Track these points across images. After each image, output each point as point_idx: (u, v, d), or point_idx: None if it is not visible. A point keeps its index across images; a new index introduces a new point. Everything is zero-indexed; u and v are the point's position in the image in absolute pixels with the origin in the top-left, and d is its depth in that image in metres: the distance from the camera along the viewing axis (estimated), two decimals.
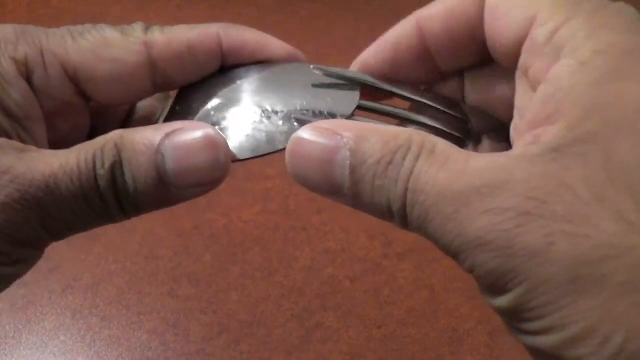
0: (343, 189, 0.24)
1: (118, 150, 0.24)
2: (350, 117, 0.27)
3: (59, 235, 0.25)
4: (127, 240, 0.50)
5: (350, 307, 0.46)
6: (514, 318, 0.21)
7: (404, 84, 0.28)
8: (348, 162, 0.23)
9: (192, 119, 0.28)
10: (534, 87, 0.23)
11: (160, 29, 0.27)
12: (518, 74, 0.24)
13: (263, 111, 0.28)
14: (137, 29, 0.27)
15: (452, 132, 0.27)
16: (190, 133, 0.24)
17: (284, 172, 0.58)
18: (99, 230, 0.51)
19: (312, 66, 0.28)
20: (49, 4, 0.69)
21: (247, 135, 0.28)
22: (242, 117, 0.28)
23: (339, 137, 0.23)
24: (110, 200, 0.24)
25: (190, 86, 0.29)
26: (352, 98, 0.28)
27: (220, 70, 0.29)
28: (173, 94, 0.29)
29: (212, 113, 0.28)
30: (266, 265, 0.48)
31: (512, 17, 0.23)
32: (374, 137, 0.23)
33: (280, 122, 0.28)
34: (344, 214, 0.52)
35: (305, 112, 0.27)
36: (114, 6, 0.69)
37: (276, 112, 0.28)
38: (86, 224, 0.25)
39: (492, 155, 0.21)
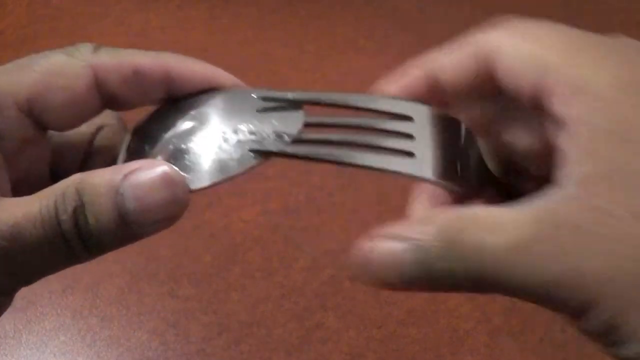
0: (417, 279, 0.25)
1: (79, 194, 0.25)
2: (298, 135, 0.28)
3: (27, 282, 0.26)
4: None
5: (350, 307, 0.46)
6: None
7: (349, 93, 0.29)
8: (414, 257, 0.25)
9: (151, 150, 0.28)
10: (552, 126, 0.24)
11: (108, 51, 0.28)
12: (532, 112, 0.26)
13: (217, 137, 0.29)
14: (84, 50, 0.28)
15: (399, 141, 0.28)
16: (148, 172, 0.26)
17: (284, 172, 0.59)
18: None
19: (253, 94, 0.29)
20: (49, 4, 0.69)
21: (205, 163, 0.29)
22: (198, 145, 0.29)
23: (398, 242, 0.26)
24: (74, 243, 0.25)
25: (146, 118, 0.29)
26: (298, 117, 0.28)
27: (173, 100, 0.30)
28: (130, 126, 0.30)
29: (169, 145, 0.29)
30: (266, 265, 0.48)
31: (525, 69, 0.25)
32: (428, 229, 0.25)
33: (233, 149, 0.28)
34: (344, 214, 0.52)
35: (255, 134, 0.28)
36: (114, 6, 0.69)
37: (226, 140, 0.29)
38: (53, 268, 0.26)
39: (522, 206, 0.23)
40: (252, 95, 0.29)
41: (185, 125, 0.30)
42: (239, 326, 0.45)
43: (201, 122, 0.30)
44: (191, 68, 0.29)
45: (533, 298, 0.23)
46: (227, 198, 0.52)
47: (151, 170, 0.26)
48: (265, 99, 0.29)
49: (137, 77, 0.28)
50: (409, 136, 0.29)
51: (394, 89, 0.29)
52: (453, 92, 0.28)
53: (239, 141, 0.28)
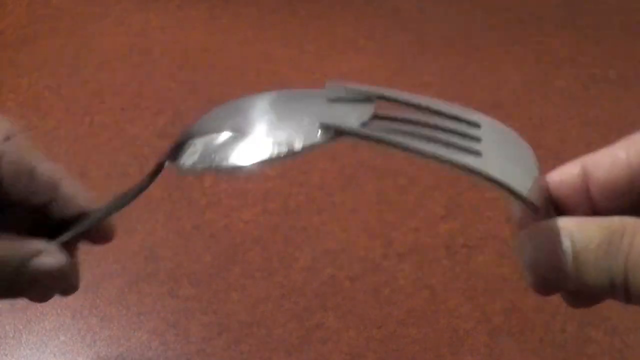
0: (568, 273, 0.27)
1: None
2: (369, 122, 0.27)
3: None
4: (127, 241, 0.50)
5: (350, 307, 0.46)
6: None
7: (424, 96, 0.29)
8: (570, 249, 0.27)
9: (220, 123, 0.29)
10: None
11: (15, 146, 0.32)
12: None
13: (289, 115, 0.28)
14: None
15: (467, 140, 0.28)
16: (46, 258, 0.31)
17: (284, 173, 0.59)
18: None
19: (325, 84, 0.29)
20: (49, 4, 0.69)
21: (272, 134, 0.28)
22: (268, 120, 0.28)
23: (563, 229, 0.27)
24: None
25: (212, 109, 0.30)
26: (368, 108, 0.28)
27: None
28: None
29: (238, 117, 0.29)
30: (266, 265, 0.48)
31: None
32: (591, 225, 0.27)
33: (305, 121, 0.28)
34: (344, 214, 0.52)
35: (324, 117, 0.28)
36: (114, 6, 0.69)
37: (300, 119, 0.28)
38: None
39: None
40: (325, 90, 0.29)
41: (258, 107, 0.29)
42: (239, 326, 0.45)
43: (274, 105, 0.29)
44: (74, 192, 0.34)
45: None
46: (227, 198, 0.52)
47: (50, 257, 0.31)
48: (339, 90, 0.29)
49: (30, 179, 0.32)
50: (476, 139, 0.29)
51: (552, 180, 0.31)
52: (602, 192, 0.30)
53: (309, 120, 0.27)
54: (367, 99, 0.28)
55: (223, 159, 0.28)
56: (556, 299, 0.39)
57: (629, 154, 0.29)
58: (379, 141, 0.26)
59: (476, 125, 0.29)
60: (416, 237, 0.50)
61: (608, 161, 0.30)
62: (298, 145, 0.27)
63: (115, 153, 0.56)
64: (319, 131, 0.27)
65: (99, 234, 0.35)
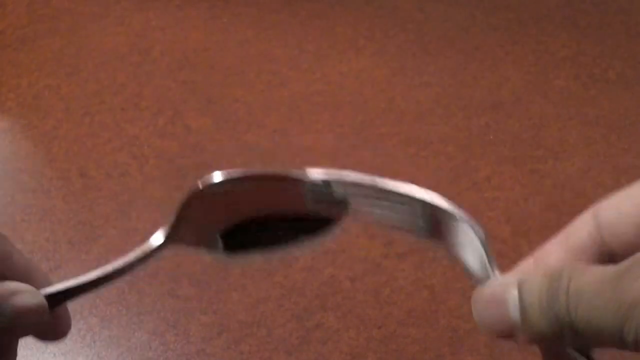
0: (518, 327, 0.28)
1: None
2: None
3: None
4: (127, 241, 0.50)
5: (350, 307, 0.46)
6: None
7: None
8: (517, 302, 0.28)
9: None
10: None
11: None
12: None
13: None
14: None
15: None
16: (27, 297, 0.33)
17: None
18: (99, 231, 0.51)
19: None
20: (49, 4, 0.69)
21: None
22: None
23: (507, 282, 0.29)
24: None
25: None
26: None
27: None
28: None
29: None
30: (266, 265, 0.48)
31: None
32: (536, 276, 0.28)
33: None
34: None
35: None
36: (114, 6, 0.69)
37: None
38: None
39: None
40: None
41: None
42: (239, 326, 0.45)
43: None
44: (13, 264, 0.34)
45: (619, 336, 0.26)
46: None
47: (30, 296, 0.33)
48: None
49: None
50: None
51: (559, 254, 0.32)
52: (619, 246, 0.30)
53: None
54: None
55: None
56: None
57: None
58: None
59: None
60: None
61: (618, 201, 0.30)
62: None
63: (115, 153, 0.56)
64: None
65: (55, 325, 0.36)
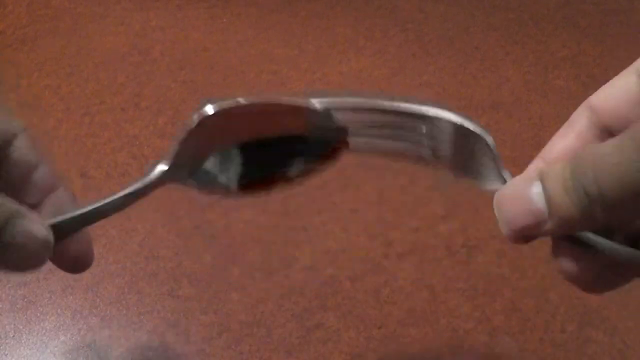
0: (544, 216, 0.28)
1: None
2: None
3: None
4: (127, 241, 0.50)
5: (350, 307, 0.46)
6: None
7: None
8: (541, 190, 0.28)
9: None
10: None
11: None
12: None
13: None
14: None
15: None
16: (35, 226, 0.30)
17: None
18: (98, 230, 0.51)
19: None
20: (49, 4, 0.69)
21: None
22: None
23: (528, 178, 0.29)
24: None
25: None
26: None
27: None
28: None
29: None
30: (266, 265, 0.48)
31: None
32: (555, 163, 0.28)
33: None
34: (343, 214, 0.52)
35: None
36: (114, 6, 0.69)
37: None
38: None
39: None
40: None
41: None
42: (239, 326, 0.45)
43: None
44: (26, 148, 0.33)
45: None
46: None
47: (37, 224, 0.30)
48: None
49: None
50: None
51: (564, 142, 0.32)
52: (616, 122, 0.31)
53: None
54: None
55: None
56: (556, 298, 0.39)
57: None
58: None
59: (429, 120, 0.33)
60: (416, 237, 0.50)
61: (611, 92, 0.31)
62: None
63: (115, 153, 0.56)
64: None
65: (77, 257, 0.34)
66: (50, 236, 0.31)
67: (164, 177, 0.33)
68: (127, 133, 0.57)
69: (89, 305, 0.46)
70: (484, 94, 0.61)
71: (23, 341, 0.44)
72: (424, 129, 0.33)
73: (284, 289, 0.47)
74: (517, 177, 0.31)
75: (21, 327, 0.45)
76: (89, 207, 0.34)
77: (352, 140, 0.34)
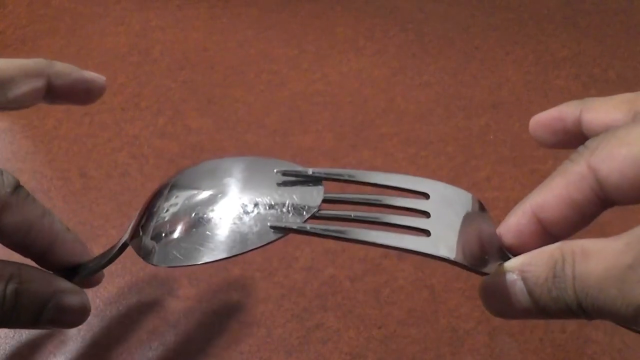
0: (532, 309, 0.29)
1: (17, 296, 0.32)
2: (317, 210, 0.29)
3: None
4: None
5: (350, 307, 0.46)
6: None
7: (366, 171, 0.31)
8: (524, 289, 0.28)
9: (168, 219, 0.31)
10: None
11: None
12: None
13: (237, 209, 0.30)
14: None
15: (414, 219, 0.30)
16: (72, 297, 0.34)
17: None
18: (98, 231, 0.51)
19: (275, 167, 0.31)
20: (49, 4, 0.69)
21: (224, 234, 0.30)
22: (218, 216, 0.30)
23: (510, 274, 0.29)
24: None
25: (162, 187, 0.32)
26: (317, 193, 0.30)
27: (188, 170, 0.32)
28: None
29: (188, 213, 0.31)
30: (266, 265, 0.48)
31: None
32: (537, 260, 0.28)
33: (253, 222, 0.30)
34: None
35: (275, 207, 0.30)
36: (114, 6, 0.69)
37: (246, 212, 0.30)
38: None
39: (620, 236, 0.26)
40: (273, 169, 0.30)
41: (205, 194, 0.31)
42: (239, 326, 0.45)
43: (221, 192, 0.31)
44: (71, 248, 0.36)
45: (632, 323, 0.26)
46: None
47: (75, 297, 0.34)
48: (285, 173, 0.30)
49: (27, 233, 0.34)
50: (424, 213, 0.30)
51: (511, 238, 0.31)
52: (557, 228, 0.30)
53: (258, 214, 0.30)
54: (315, 180, 0.30)
55: (182, 256, 0.30)
56: None
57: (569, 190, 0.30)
58: (328, 237, 0.29)
59: (425, 195, 0.30)
60: None
61: (554, 202, 0.30)
62: (252, 246, 0.29)
63: (115, 153, 0.56)
64: (271, 232, 0.29)
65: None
66: (85, 302, 0.34)
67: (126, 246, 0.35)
68: (127, 133, 0.57)
69: None
70: (484, 94, 0.61)
71: (23, 341, 0.44)
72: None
73: (284, 289, 0.47)
74: (500, 269, 0.29)
75: None
76: (107, 256, 0.35)
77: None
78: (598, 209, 0.29)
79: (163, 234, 0.31)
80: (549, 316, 0.28)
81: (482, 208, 0.31)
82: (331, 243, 0.50)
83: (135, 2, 0.69)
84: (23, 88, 0.36)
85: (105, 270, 0.44)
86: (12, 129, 0.58)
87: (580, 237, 0.28)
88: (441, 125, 0.58)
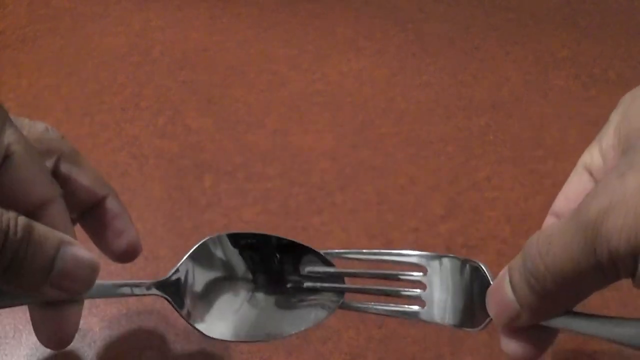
0: (516, 305, 0.30)
1: (29, 231, 0.30)
2: (339, 305, 0.38)
3: None
4: None
5: None
6: None
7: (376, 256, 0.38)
8: (510, 289, 0.30)
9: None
10: None
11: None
12: None
13: (251, 296, 0.37)
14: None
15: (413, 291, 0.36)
16: (82, 250, 0.32)
17: (284, 172, 0.59)
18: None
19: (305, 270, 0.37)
20: (49, 4, 0.69)
21: (238, 319, 0.37)
22: (233, 300, 0.37)
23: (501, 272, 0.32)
24: None
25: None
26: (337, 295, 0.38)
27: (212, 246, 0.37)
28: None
29: (207, 291, 0.37)
30: None
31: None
32: (516, 259, 0.30)
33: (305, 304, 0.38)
34: (344, 214, 0.52)
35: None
36: (114, 6, 0.69)
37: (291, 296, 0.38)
38: None
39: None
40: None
41: (222, 275, 0.37)
42: None
43: (240, 276, 0.37)
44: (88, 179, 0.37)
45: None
46: (227, 198, 0.52)
47: (84, 250, 0.33)
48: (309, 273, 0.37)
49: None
50: (422, 285, 0.36)
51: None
52: None
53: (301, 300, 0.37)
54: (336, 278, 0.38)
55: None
56: None
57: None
58: (362, 311, 0.38)
59: (423, 269, 0.36)
60: (416, 237, 0.50)
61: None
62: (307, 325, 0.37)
63: (115, 153, 0.56)
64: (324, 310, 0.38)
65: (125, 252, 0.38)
66: (95, 259, 0.33)
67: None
68: (127, 133, 0.57)
69: (89, 305, 0.46)
70: (484, 94, 0.61)
71: (23, 341, 0.44)
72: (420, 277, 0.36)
73: None
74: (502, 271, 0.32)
75: (21, 327, 0.45)
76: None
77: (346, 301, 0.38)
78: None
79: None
80: (530, 312, 0.29)
81: (478, 270, 0.34)
82: (331, 243, 0.50)
83: (135, 2, 0.69)
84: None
85: (105, 270, 0.44)
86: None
87: None
88: (441, 125, 0.58)
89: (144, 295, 0.36)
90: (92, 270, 0.33)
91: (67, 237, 0.32)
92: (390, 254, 0.37)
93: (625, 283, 0.30)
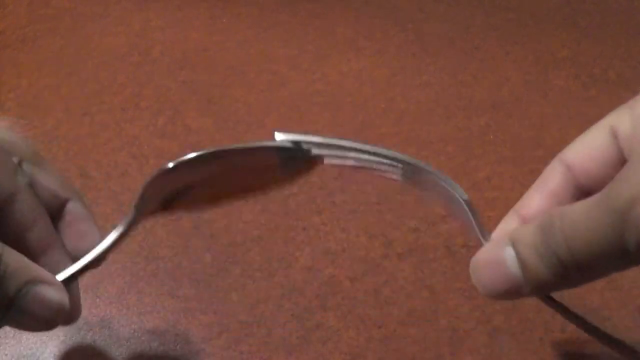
0: (520, 280, 0.29)
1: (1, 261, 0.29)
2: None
3: None
4: (127, 240, 0.50)
5: (350, 307, 0.46)
6: None
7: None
8: (513, 254, 0.29)
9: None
10: None
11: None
12: None
13: None
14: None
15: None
16: (52, 290, 0.31)
17: None
18: (99, 230, 0.50)
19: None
20: (49, 4, 0.69)
21: None
22: None
23: (501, 242, 0.30)
24: None
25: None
26: None
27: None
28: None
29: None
30: (266, 265, 0.48)
31: None
32: (524, 229, 0.29)
33: None
34: (344, 214, 0.52)
35: None
36: (114, 6, 0.69)
37: None
38: None
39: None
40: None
41: None
42: (239, 326, 0.45)
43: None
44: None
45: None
46: None
47: (56, 291, 0.31)
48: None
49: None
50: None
51: (539, 200, 0.33)
52: (591, 183, 0.32)
53: None
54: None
55: None
56: (556, 298, 0.39)
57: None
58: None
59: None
60: (416, 237, 0.50)
61: (586, 149, 0.31)
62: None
63: (115, 153, 0.56)
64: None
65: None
66: (65, 300, 0.32)
67: (139, 215, 0.37)
68: (127, 133, 0.57)
69: (88, 305, 0.46)
70: (484, 94, 0.61)
71: (23, 341, 0.44)
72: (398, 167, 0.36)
73: (284, 289, 0.47)
74: (491, 242, 0.31)
75: None
76: (86, 260, 0.35)
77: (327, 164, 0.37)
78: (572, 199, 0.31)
79: None
80: (539, 285, 0.28)
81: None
82: (331, 243, 0.50)
83: (135, 2, 0.69)
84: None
85: (105, 270, 0.45)
86: (12, 129, 0.58)
87: None
88: (441, 125, 0.58)
89: None
90: (57, 312, 0.31)
91: (39, 275, 0.31)
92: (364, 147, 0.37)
93: (626, 283, 0.30)
